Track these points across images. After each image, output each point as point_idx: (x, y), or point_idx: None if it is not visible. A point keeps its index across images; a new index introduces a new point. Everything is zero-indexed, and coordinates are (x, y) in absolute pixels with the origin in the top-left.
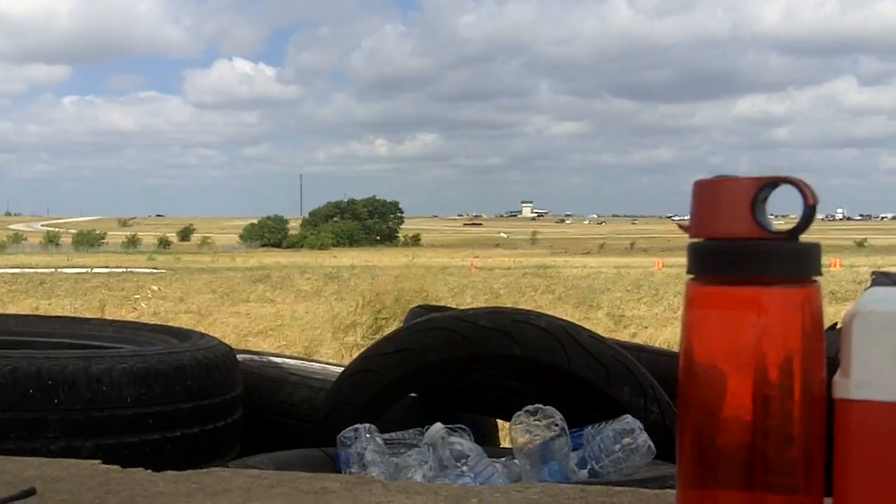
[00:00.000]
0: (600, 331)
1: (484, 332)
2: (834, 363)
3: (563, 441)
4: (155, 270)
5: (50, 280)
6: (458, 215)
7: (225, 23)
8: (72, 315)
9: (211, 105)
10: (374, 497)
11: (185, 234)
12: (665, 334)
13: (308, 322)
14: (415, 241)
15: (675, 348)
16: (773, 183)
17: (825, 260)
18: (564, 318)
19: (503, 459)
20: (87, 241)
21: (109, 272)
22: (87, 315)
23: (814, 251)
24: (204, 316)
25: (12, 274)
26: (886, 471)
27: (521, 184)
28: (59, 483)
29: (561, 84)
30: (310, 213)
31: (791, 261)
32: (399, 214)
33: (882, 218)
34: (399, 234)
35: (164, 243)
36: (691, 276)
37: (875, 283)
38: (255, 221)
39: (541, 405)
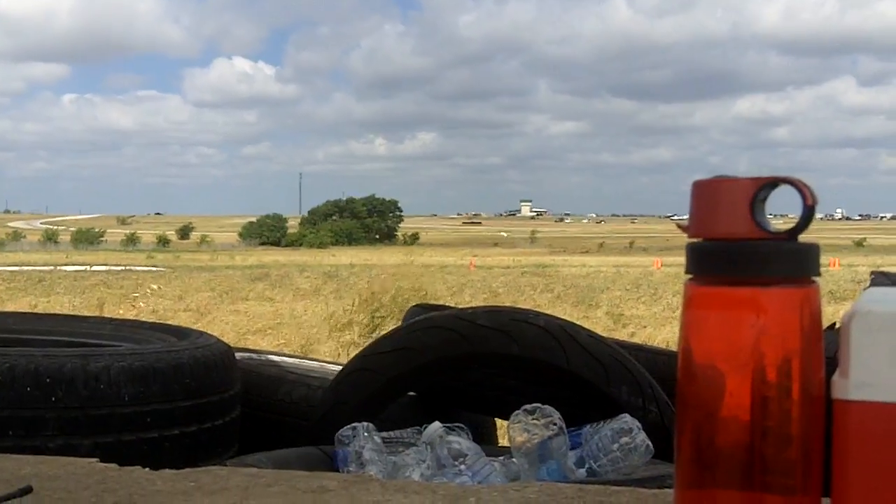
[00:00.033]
0: (599, 330)
1: (482, 331)
2: (833, 363)
3: (562, 440)
4: (154, 268)
5: (49, 278)
6: (457, 214)
7: (224, 22)
8: (70, 313)
9: (210, 104)
10: (372, 496)
11: (184, 233)
12: (664, 333)
13: (306, 321)
14: (414, 239)
15: (674, 347)
16: (773, 183)
17: (824, 259)
18: (563, 316)
19: (501, 458)
20: (86, 239)
21: (108, 270)
22: (86, 313)
23: (813, 251)
24: (203, 314)
25: (11, 272)
26: (885, 471)
27: (520, 183)
28: (56, 481)
29: (560, 84)
30: (309, 212)
31: (790, 261)
32: (398, 213)
33: (881, 218)
34: (398, 233)
35: (163, 241)
36: (690, 276)
37: (874, 283)
38: (255, 220)
39: (539, 404)
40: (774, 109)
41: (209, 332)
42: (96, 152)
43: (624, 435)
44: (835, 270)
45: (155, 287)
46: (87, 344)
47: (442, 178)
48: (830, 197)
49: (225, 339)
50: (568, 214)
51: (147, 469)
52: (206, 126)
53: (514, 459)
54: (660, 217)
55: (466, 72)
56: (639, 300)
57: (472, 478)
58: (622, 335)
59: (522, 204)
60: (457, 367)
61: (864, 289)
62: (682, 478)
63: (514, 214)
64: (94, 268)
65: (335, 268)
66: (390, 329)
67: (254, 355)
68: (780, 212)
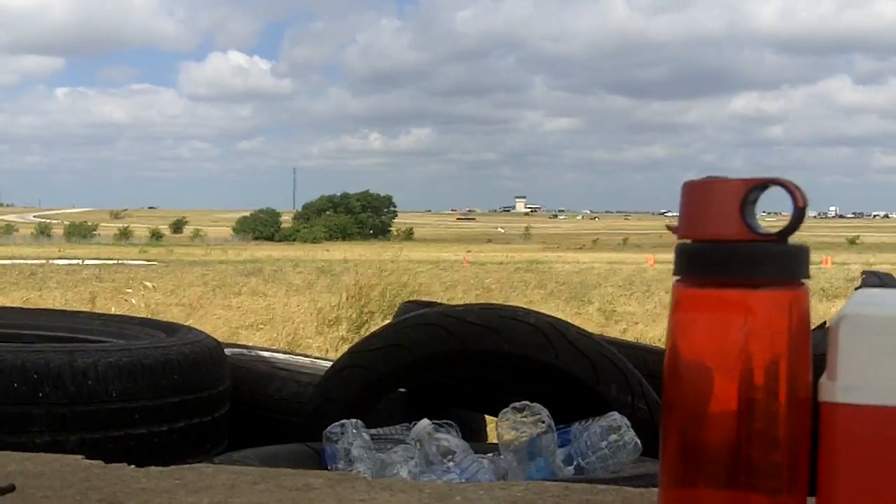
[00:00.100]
0: (591, 326)
1: (472, 329)
2: (824, 361)
3: (550, 438)
4: (147, 262)
5: (41, 271)
6: (452, 210)
7: (219, 15)
8: (60, 308)
9: (205, 98)
10: (358, 494)
11: (177, 227)
12: (655, 330)
13: (299, 316)
14: (408, 235)
15: (664, 345)
16: (763, 185)
17: (817, 257)
18: (556, 313)
19: (490, 455)
20: (79, 232)
21: (101, 264)
22: (78, 307)
23: (802, 254)
24: (195, 309)
25: (3, 265)
26: (871, 474)
27: (514, 179)
28: (41, 479)
29: (555, 80)
30: (303, 207)
31: (779, 263)
32: (392, 209)
33: (874, 216)
34: (392, 229)
35: (156, 236)
36: (678, 277)
37: (865, 282)
38: (248, 214)
39: (528, 402)
40: (769, 107)
41: (201, 326)
42: (90, 146)
43: (613, 432)
44: (827, 268)
45: (149, 285)
46: (76, 339)
47: (436, 174)
48: (824, 195)
49: (217, 334)
50: (562, 211)
51: (133, 466)
52: (200, 120)
53: (502, 457)
54: (654, 214)
55: (462, 67)
56: (631, 297)
57: (461, 475)
58: (614, 332)
59: (517, 200)
60: (446, 365)
61: (856, 288)
62: (667, 478)
63: (508, 211)
64: (87, 262)
65: (328, 263)
66: (378, 325)
67: (244, 351)
68: (774, 209)
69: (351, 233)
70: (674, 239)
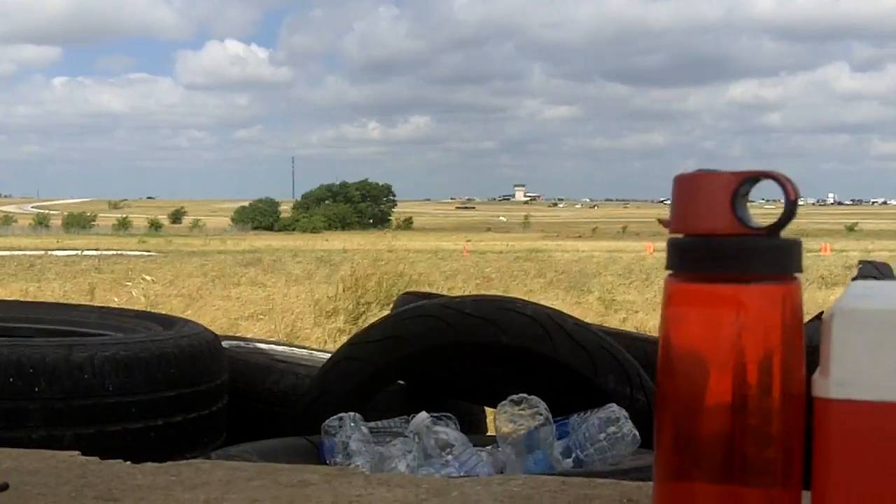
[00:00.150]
0: (591, 316)
1: (470, 320)
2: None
3: (548, 430)
4: (146, 253)
5: (40, 263)
6: (451, 199)
7: (217, 4)
8: (56, 301)
9: (202, 87)
10: (355, 489)
11: (176, 217)
12: (655, 319)
13: (298, 307)
14: (407, 224)
15: None
16: (754, 178)
17: (816, 244)
18: (555, 302)
19: (488, 448)
20: (78, 223)
21: (100, 255)
22: (77, 298)
23: (794, 248)
24: (194, 299)
25: (2, 256)
26: (865, 470)
27: (513, 167)
28: (36, 476)
29: (554, 68)
30: (302, 196)
31: (771, 257)
32: (391, 198)
33: (873, 203)
34: (391, 218)
35: (155, 226)
36: (670, 271)
37: (861, 272)
38: (247, 204)
39: (525, 395)
40: (768, 95)
41: (201, 317)
42: (87, 135)
43: (611, 424)
44: (826, 256)
45: (148, 278)
46: (73, 333)
47: (435, 163)
48: (822, 182)
49: (216, 325)
50: (561, 199)
51: (128, 463)
52: (197, 109)
53: (500, 449)
54: (653, 202)
55: (460, 55)
56: (630, 285)
57: (459, 468)
58: (614, 321)
59: (516, 188)
60: (445, 356)
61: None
62: (661, 471)
63: (507, 199)
64: (86, 252)
65: (328, 253)
66: (375, 316)
67: (242, 343)
68: (773, 197)
69: (350, 222)
70: (666, 233)
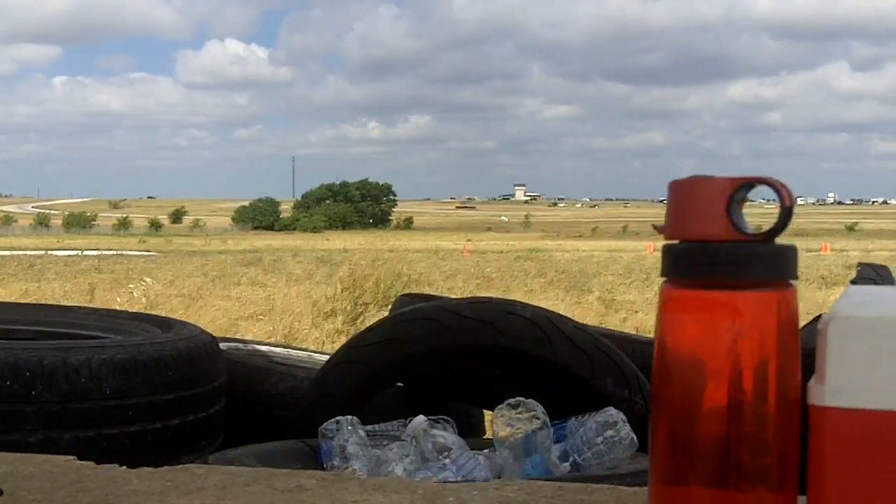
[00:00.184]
0: (591, 316)
1: (469, 323)
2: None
3: (546, 434)
4: (146, 253)
5: (40, 263)
6: (451, 198)
7: (217, 3)
8: (57, 301)
9: (202, 86)
10: (351, 495)
11: (176, 217)
12: (654, 319)
13: (298, 307)
14: (407, 224)
15: None
16: (750, 184)
17: (816, 244)
18: (556, 302)
19: (486, 452)
20: (78, 223)
21: (100, 255)
22: (77, 298)
23: (790, 254)
24: (195, 300)
25: (2, 256)
26: (860, 477)
27: (513, 167)
28: (32, 480)
29: (554, 67)
30: (302, 196)
31: (767, 264)
32: (392, 197)
33: (873, 202)
34: (392, 217)
35: (155, 226)
36: (666, 278)
37: (860, 274)
38: (247, 204)
39: (522, 398)
40: (767, 94)
41: (201, 317)
42: (87, 135)
43: (609, 428)
44: (826, 255)
45: (149, 280)
46: (70, 335)
47: (435, 162)
48: (822, 181)
49: (216, 326)
50: (561, 199)
51: (124, 468)
52: (197, 108)
53: (498, 453)
54: (653, 201)
55: (460, 55)
56: (631, 285)
57: (456, 472)
58: (614, 321)
59: (516, 188)
60: (443, 359)
61: (852, 280)
62: (656, 476)
63: (507, 199)
64: (86, 252)
65: (328, 252)
66: (373, 316)
67: (240, 345)
68: (774, 197)
69: (351, 221)
70: (661, 238)
